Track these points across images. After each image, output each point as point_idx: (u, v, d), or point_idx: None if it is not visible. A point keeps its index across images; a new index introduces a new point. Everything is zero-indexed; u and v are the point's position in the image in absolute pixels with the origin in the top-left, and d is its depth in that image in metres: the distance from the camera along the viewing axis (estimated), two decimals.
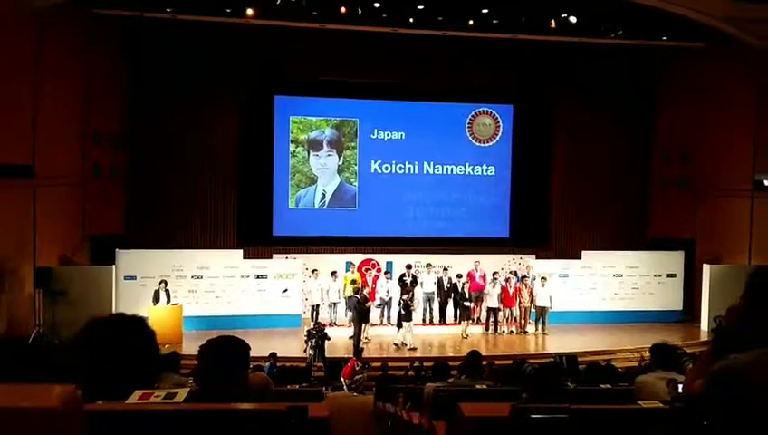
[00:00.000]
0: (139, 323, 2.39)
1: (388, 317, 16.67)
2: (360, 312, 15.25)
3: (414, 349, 15.05)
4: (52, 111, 13.92)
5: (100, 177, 15.94)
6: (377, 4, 14.91)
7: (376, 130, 18.87)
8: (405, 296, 15.55)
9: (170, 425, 2.04)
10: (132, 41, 16.65)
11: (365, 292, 15.97)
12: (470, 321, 16.49)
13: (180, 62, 17.01)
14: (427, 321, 16.95)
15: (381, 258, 18.02)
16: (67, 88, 14.69)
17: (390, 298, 16.65)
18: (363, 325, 15.37)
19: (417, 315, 16.03)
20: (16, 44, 13.08)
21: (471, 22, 15.44)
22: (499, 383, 7.42)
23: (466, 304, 16.37)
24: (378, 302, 16.59)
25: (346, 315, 16.44)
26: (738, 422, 1.81)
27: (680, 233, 18.06)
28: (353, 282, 16.49)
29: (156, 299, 15.28)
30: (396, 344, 15.34)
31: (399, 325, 15.39)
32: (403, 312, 15.34)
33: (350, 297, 16.22)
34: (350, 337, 15.24)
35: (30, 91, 13.27)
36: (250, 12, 14.82)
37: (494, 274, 16.95)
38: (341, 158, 18.84)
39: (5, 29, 12.85)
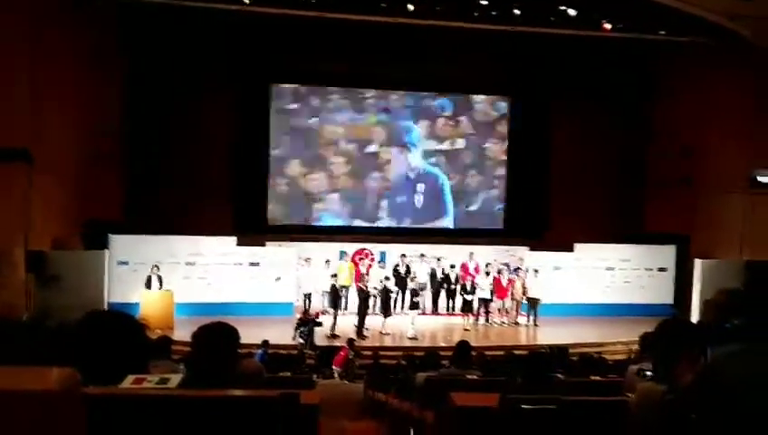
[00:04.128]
0: (130, 318, 2.67)
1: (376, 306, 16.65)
2: (364, 301, 15.35)
3: (414, 338, 15.11)
4: (50, 95, 13.82)
5: (95, 161, 15.84)
6: None
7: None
8: (412, 286, 15.82)
9: (164, 410, 2.06)
10: (129, 27, 16.52)
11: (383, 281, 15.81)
12: (471, 313, 16.50)
13: (177, 49, 16.90)
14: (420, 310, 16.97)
15: (375, 248, 18.04)
16: (64, 73, 14.57)
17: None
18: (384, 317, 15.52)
19: (407, 305, 16.07)
20: (13, 30, 12.98)
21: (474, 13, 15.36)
22: (487, 374, 7.49)
23: (468, 297, 16.40)
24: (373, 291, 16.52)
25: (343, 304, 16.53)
26: (723, 415, 1.85)
27: (674, 228, 18.08)
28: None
29: (148, 284, 15.29)
30: (382, 333, 15.37)
31: (386, 314, 15.42)
32: (414, 300, 15.54)
33: (341, 287, 16.28)
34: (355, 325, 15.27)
35: (27, 75, 13.16)
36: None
37: (487, 265, 17.00)
38: None
39: (2, 15, 12.75)
